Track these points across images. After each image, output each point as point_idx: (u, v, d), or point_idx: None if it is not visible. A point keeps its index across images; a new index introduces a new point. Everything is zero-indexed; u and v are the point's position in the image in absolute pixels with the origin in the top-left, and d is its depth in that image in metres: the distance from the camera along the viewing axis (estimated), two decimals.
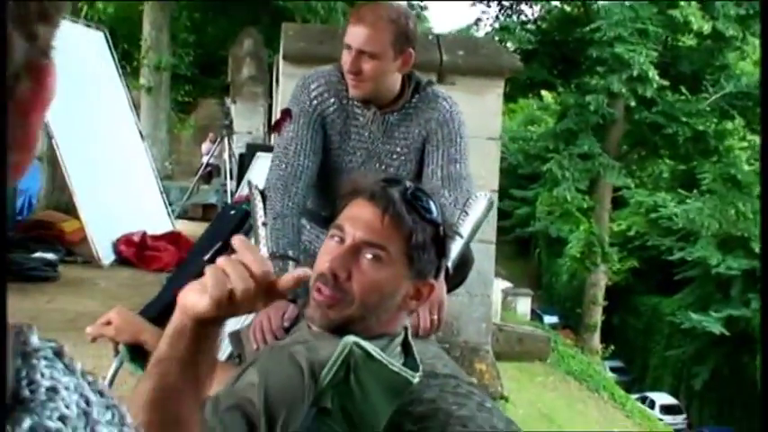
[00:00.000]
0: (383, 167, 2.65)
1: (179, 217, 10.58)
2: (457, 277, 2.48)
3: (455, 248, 2.30)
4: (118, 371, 1.88)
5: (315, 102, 2.61)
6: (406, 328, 1.68)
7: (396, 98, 2.61)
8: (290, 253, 2.38)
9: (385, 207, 1.54)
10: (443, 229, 1.58)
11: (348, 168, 2.64)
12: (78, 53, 8.66)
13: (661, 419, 24.06)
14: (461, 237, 2.33)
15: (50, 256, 7.14)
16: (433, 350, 2.37)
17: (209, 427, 1.25)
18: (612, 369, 28.33)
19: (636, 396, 25.31)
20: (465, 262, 2.49)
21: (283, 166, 2.54)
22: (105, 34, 9.42)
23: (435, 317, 2.12)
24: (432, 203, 1.58)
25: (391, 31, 2.48)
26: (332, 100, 2.62)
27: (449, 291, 2.32)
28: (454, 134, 2.61)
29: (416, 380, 1.57)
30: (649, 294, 31.24)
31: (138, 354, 1.79)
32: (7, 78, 0.48)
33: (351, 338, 1.42)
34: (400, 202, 1.54)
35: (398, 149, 2.65)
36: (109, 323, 1.85)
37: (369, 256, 1.54)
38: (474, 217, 2.44)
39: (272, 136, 2.80)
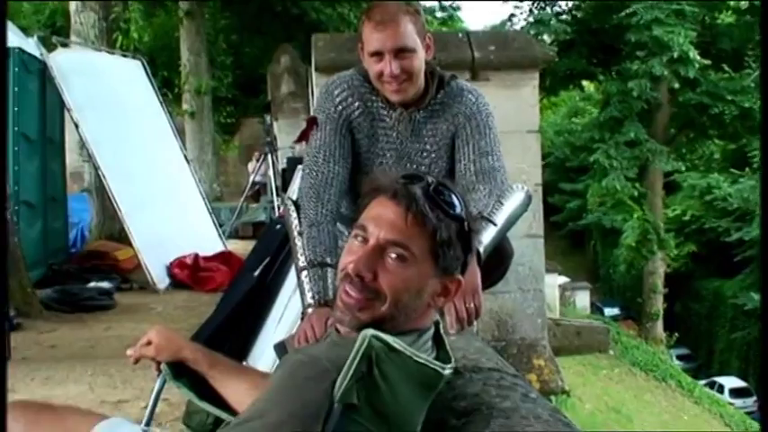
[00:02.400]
0: (414, 167, 2.63)
1: (230, 237, 10.69)
2: (498, 271, 2.46)
3: (488, 235, 2.28)
4: (162, 390, 1.89)
5: (340, 107, 2.61)
6: (437, 323, 1.67)
7: (421, 96, 2.59)
8: (328, 260, 2.38)
9: (408, 205, 1.52)
10: (468, 224, 1.56)
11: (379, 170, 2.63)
12: (118, 83, 8.82)
13: (731, 403, 23.62)
14: (495, 224, 2.31)
15: (106, 284, 7.27)
16: (477, 345, 2.35)
17: None
18: (678, 357, 27.96)
19: (704, 382, 24.90)
20: (503, 254, 2.46)
21: (314, 174, 2.55)
22: (143, 63, 9.57)
23: (471, 305, 2.09)
24: (455, 198, 1.56)
25: (411, 22, 2.48)
26: (356, 104, 2.61)
27: (490, 285, 2.29)
28: (483, 126, 2.59)
29: (447, 372, 1.55)
30: (710, 278, 30.75)
31: (181, 372, 1.80)
32: None
33: (369, 331, 1.42)
34: (423, 199, 1.53)
35: (428, 147, 2.63)
36: (149, 343, 1.87)
37: (393, 255, 1.52)
38: (509, 207, 2.41)
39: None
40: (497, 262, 2.36)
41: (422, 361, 1.49)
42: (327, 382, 1.37)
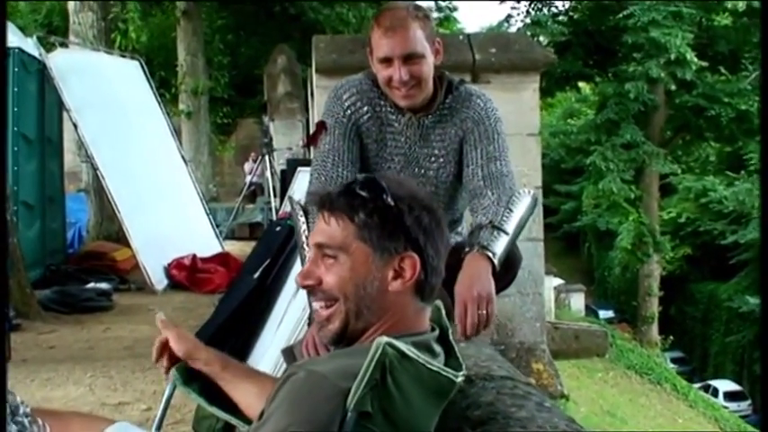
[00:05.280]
0: (422, 171, 2.63)
1: (227, 237, 10.69)
2: (507, 276, 2.45)
3: (501, 245, 2.27)
4: (171, 396, 1.88)
5: (348, 111, 2.60)
6: (442, 328, 1.67)
7: (430, 100, 2.58)
8: None
9: (322, 205, 1.60)
10: (389, 198, 1.56)
11: None
12: (116, 84, 8.81)
13: (726, 407, 23.65)
14: (507, 233, 2.31)
15: (104, 285, 7.26)
16: (488, 352, 2.34)
17: None
18: (673, 360, 27.96)
19: (698, 385, 24.94)
20: (513, 260, 2.46)
21: (323, 178, 2.54)
22: (141, 63, 9.56)
23: (483, 311, 2.10)
24: (370, 183, 1.58)
25: (420, 27, 2.47)
26: (365, 108, 2.61)
27: (499, 290, 2.29)
28: (491, 131, 2.58)
29: (459, 379, 1.56)
30: (705, 281, 30.78)
31: (190, 377, 1.79)
32: None
33: (383, 339, 1.42)
34: (336, 194, 1.59)
35: (436, 152, 2.63)
36: (165, 342, 1.83)
37: (327, 253, 1.58)
38: (518, 214, 2.40)
39: (310, 149, 2.80)
40: (507, 267, 2.36)
41: (435, 369, 1.49)
42: (338, 397, 1.37)
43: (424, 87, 2.51)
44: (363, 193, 1.56)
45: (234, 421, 1.75)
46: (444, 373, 1.51)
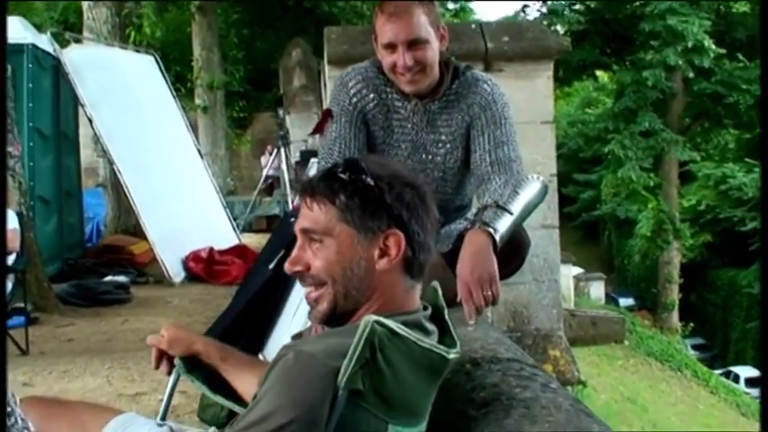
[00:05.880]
0: (429, 157, 2.62)
1: (244, 230, 10.73)
2: (515, 260, 2.44)
3: (504, 224, 2.27)
4: (176, 385, 1.90)
5: (354, 99, 2.60)
6: (441, 308, 1.67)
7: (436, 86, 2.57)
8: None
9: (304, 191, 1.60)
10: (368, 179, 1.56)
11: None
12: (131, 79, 8.84)
13: (747, 393, 23.49)
14: (510, 213, 2.30)
15: (122, 278, 7.32)
16: (495, 336, 2.33)
17: None
18: (694, 347, 27.82)
19: (720, 371, 24.80)
20: (520, 244, 2.45)
21: (329, 166, 2.53)
22: (156, 58, 9.59)
23: (489, 293, 2.09)
24: (350, 165, 1.59)
25: (425, 12, 2.47)
26: (371, 95, 2.61)
27: (509, 275, 2.28)
28: (498, 116, 2.57)
29: (452, 356, 1.55)
30: (725, 268, 30.54)
31: (194, 366, 1.82)
32: None
33: (372, 317, 1.43)
34: (317, 179, 1.60)
35: (443, 138, 2.62)
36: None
37: (313, 238, 1.58)
38: (525, 197, 2.39)
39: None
40: (515, 252, 2.35)
41: (426, 346, 1.50)
42: (329, 376, 1.38)
43: (429, 73, 2.50)
44: (343, 176, 1.57)
45: (237, 409, 1.76)
46: (436, 349, 1.52)
